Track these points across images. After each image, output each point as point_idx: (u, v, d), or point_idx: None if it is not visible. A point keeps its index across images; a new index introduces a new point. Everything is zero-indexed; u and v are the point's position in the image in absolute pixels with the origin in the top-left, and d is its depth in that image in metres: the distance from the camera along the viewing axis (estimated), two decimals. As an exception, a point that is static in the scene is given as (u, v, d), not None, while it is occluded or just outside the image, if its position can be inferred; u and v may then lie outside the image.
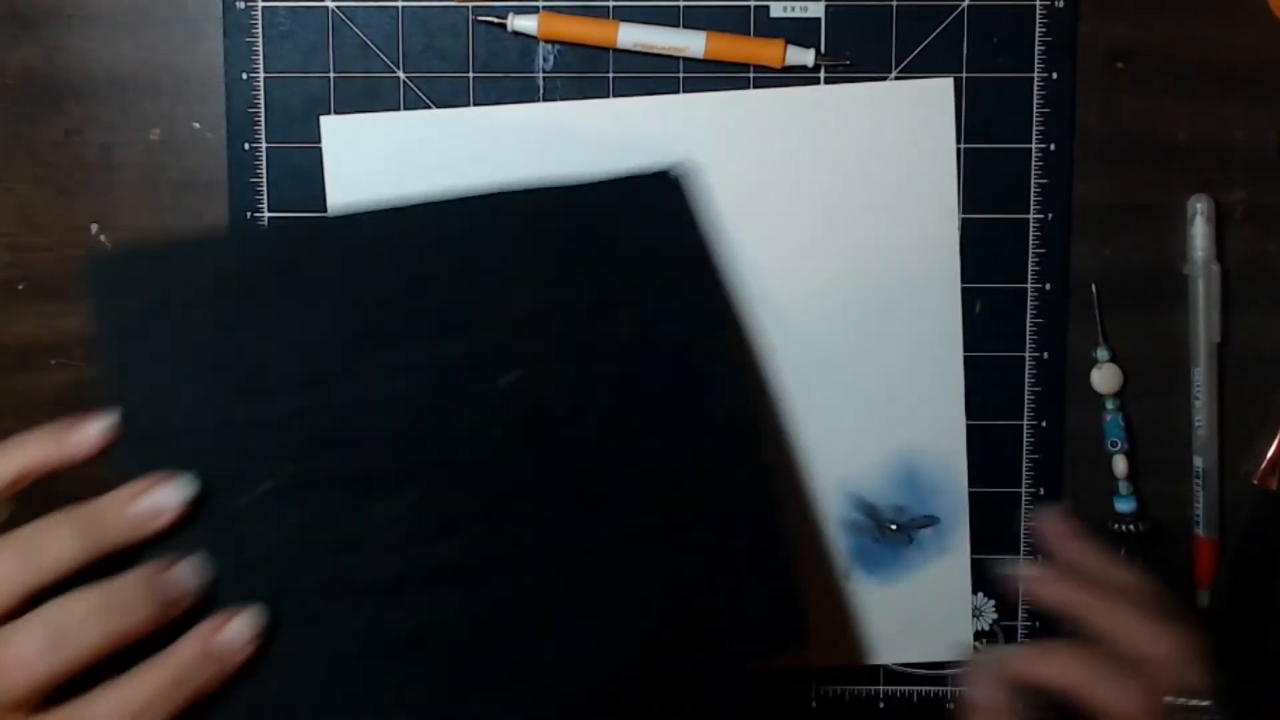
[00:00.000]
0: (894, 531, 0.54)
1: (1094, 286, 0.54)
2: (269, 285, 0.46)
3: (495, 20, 0.53)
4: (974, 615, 0.55)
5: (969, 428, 0.54)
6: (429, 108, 0.54)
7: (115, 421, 0.43)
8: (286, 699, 0.44)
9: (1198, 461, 0.54)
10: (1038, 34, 0.53)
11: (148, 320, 0.45)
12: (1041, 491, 0.55)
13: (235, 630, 0.42)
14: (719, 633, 0.47)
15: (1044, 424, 0.54)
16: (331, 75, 0.53)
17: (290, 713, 0.44)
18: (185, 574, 0.42)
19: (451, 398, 0.46)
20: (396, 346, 0.46)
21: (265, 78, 0.54)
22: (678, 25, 0.53)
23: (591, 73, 0.53)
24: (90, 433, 0.43)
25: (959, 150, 0.54)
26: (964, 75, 0.53)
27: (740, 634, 0.47)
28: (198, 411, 0.45)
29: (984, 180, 0.54)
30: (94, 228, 0.55)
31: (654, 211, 0.50)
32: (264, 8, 0.53)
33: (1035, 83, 0.53)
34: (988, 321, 0.54)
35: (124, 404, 0.44)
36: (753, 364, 0.53)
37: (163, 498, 0.43)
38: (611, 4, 0.53)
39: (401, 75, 0.54)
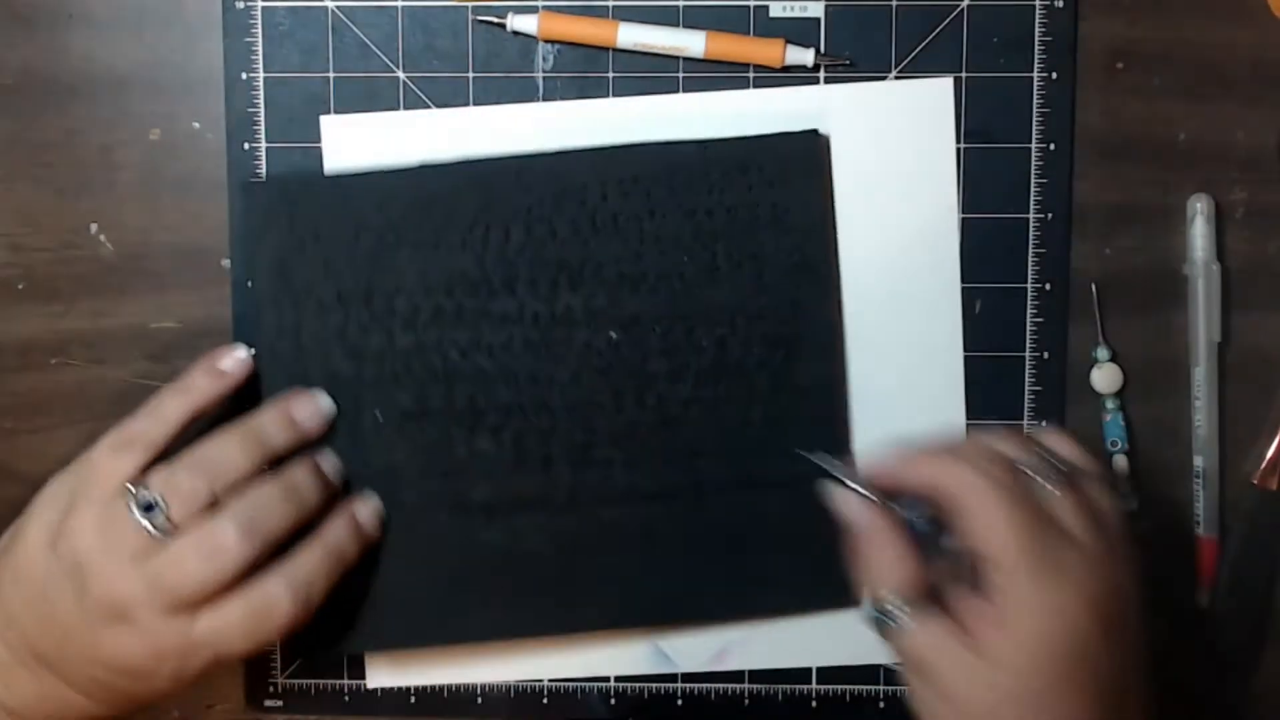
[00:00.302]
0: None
1: (1094, 286, 0.54)
2: (406, 223, 0.51)
3: (495, 20, 0.53)
4: (974, 615, 0.55)
5: (969, 427, 0.54)
6: (429, 108, 0.53)
7: (248, 353, 0.51)
8: (390, 597, 0.52)
9: (1198, 461, 0.54)
10: (1037, 34, 0.53)
11: (292, 248, 0.52)
12: (1042, 491, 0.55)
13: (370, 507, 0.51)
14: (778, 580, 0.52)
15: (1044, 424, 0.54)
16: (331, 75, 0.53)
17: (392, 608, 0.52)
18: (333, 462, 0.51)
19: (558, 348, 0.52)
20: (514, 294, 0.51)
21: (265, 78, 0.54)
22: (678, 25, 0.53)
23: (591, 73, 0.53)
24: (237, 360, 0.51)
25: (959, 150, 0.54)
26: (964, 75, 0.53)
27: (797, 585, 0.52)
28: (332, 339, 0.51)
29: (984, 180, 0.54)
30: (94, 227, 0.55)
31: (788, 174, 0.52)
32: (264, 8, 0.53)
33: (1035, 82, 0.53)
34: (988, 321, 0.54)
35: (268, 327, 0.52)
36: (839, 340, 0.53)
37: (313, 406, 0.51)
38: (611, 4, 0.53)
39: (401, 75, 0.54)
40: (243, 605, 0.45)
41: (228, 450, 0.47)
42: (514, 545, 0.52)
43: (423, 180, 0.52)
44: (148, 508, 0.45)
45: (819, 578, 0.52)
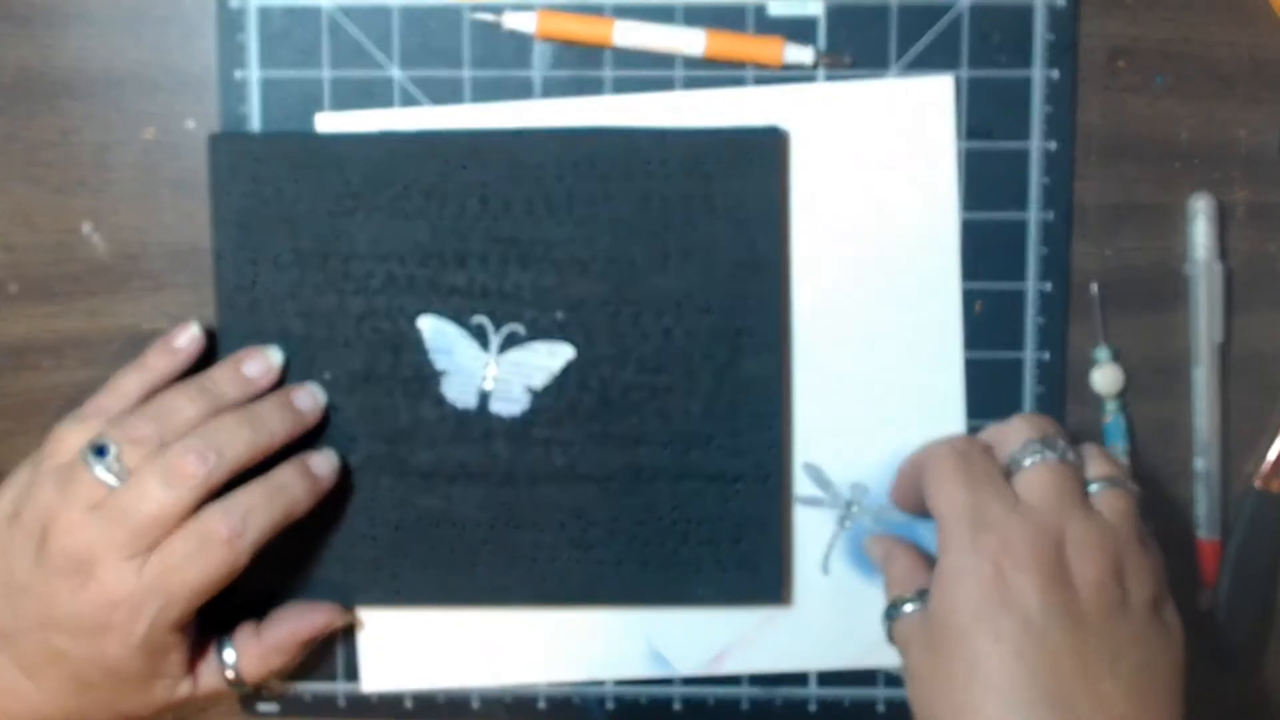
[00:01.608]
0: (856, 514, 0.54)
1: (1095, 286, 0.54)
2: (364, 189, 0.52)
3: (491, 19, 0.53)
4: (974, 618, 0.55)
5: (969, 428, 0.54)
6: (425, 106, 0.53)
7: (201, 330, 0.52)
8: (330, 553, 0.53)
9: (1199, 463, 0.54)
10: (1038, 32, 0.53)
11: (254, 204, 0.52)
12: (1042, 493, 0.54)
13: (324, 457, 0.51)
14: (707, 571, 0.53)
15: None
16: (326, 74, 0.53)
17: (331, 564, 0.53)
18: (308, 396, 0.52)
19: (507, 321, 0.52)
20: (465, 268, 0.52)
21: (260, 76, 0.53)
22: (676, 24, 0.53)
23: (588, 71, 0.53)
24: (192, 338, 0.52)
25: (959, 149, 0.53)
26: (964, 74, 0.53)
27: (726, 577, 0.53)
28: (286, 297, 0.52)
29: (984, 180, 0.53)
30: (88, 227, 0.54)
31: (745, 169, 0.52)
32: (259, 6, 0.53)
33: (1036, 81, 0.53)
34: (988, 321, 0.54)
35: (226, 281, 0.52)
36: (784, 337, 0.54)
37: (264, 362, 0.51)
38: (609, 2, 0.53)
39: (397, 74, 0.53)
40: (181, 538, 0.46)
41: (177, 400, 0.49)
42: (450, 512, 0.53)
43: (384, 147, 0.52)
44: (100, 452, 0.46)
45: (748, 572, 0.53)
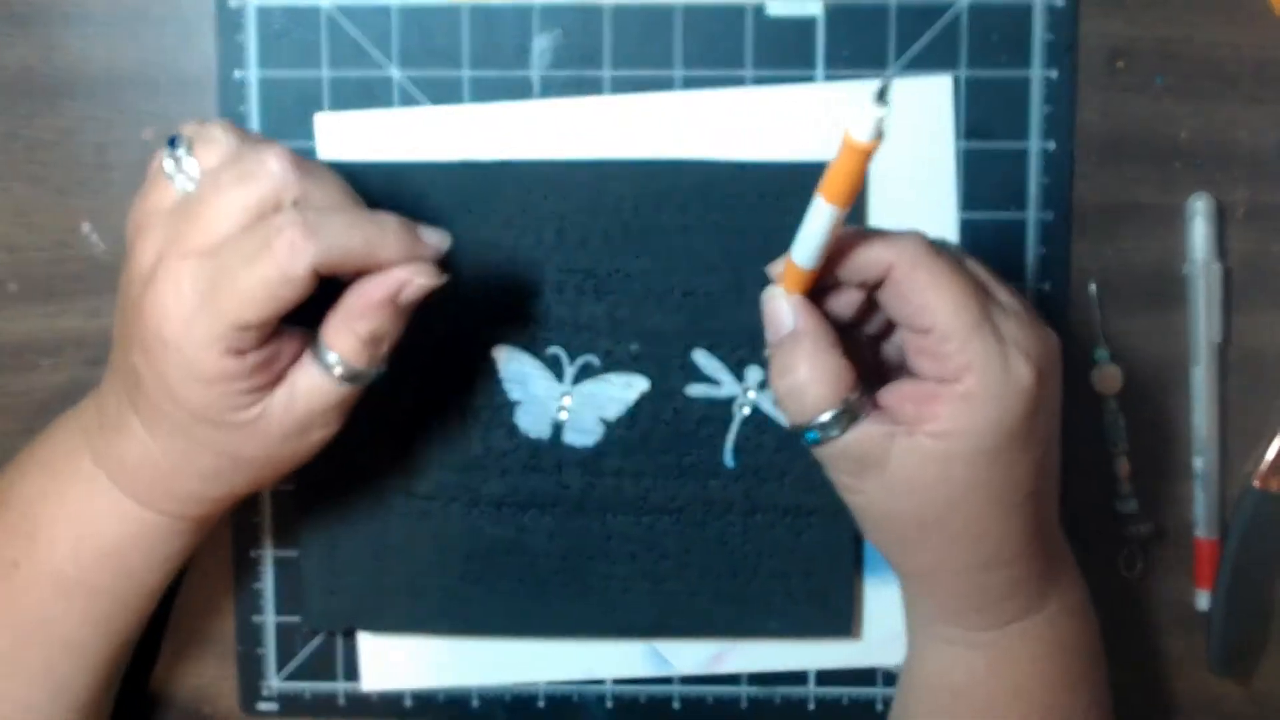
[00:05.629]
0: None
1: (1094, 286, 0.54)
2: (442, 218, 0.50)
3: None
4: (973, 617, 0.55)
5: (968, 428, 0.54)
6: (424, 106, 0.53)
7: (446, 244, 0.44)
8: (400, 582, 0.53)
9: (1198, 462, 0.54)
10: (1037, 32, 0.53)
11: None
12: (1041, 493, 0.54)
13: (437, 232, 0.44)
14: (778, 604, 0.53)
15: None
16: (325, 74, 0.53)
17: (401, 593, 0.53)
18: (435, 234, 0.44)
19: (579, 354, 0.52)
20: (543, 297, 0.52)
21: (259, 77, 0.53)
22: (674, 24, 0.53)
23: (588, 70, 0.53)
24: (433, 242, 0.44)
25: (958, 149, 0.53)
26: (963, 74, 0.53)
27: (797, 610, 0.53)
28: None
29: (983, 180, 0.53)
30: (86, 227, 0.54)
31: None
32: (258, 6, 0.53)
33: (1035, 82, 0.53)
34: (987, 322, 0.54)
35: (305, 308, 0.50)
36: None
37: (437, 240, 0.44)
38: (608, 2, 0.53)
39: (396, 73, 0.53)
40: (240, 235, 0.41)
41: (279, 150, 0.42)
42: (521, 542, 0.53)
43: (463, 176, 0.52)
44: (172, 143, 0.43)
45: (819, 606, 0.53)
